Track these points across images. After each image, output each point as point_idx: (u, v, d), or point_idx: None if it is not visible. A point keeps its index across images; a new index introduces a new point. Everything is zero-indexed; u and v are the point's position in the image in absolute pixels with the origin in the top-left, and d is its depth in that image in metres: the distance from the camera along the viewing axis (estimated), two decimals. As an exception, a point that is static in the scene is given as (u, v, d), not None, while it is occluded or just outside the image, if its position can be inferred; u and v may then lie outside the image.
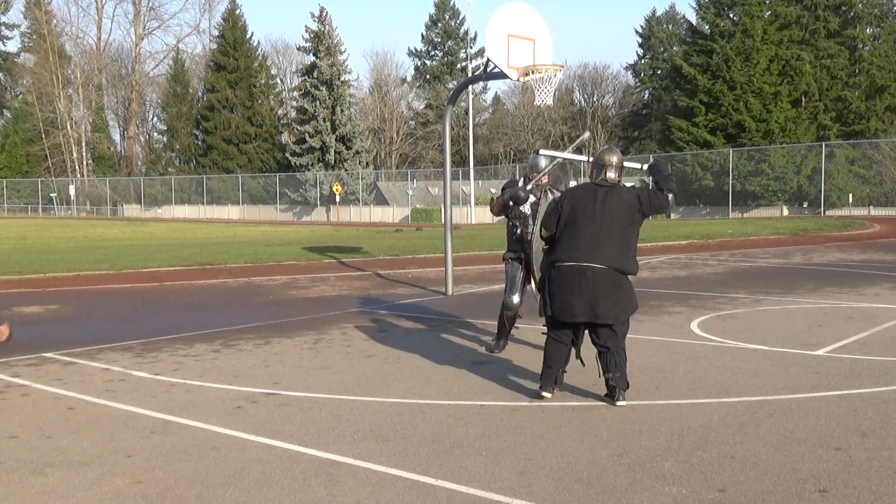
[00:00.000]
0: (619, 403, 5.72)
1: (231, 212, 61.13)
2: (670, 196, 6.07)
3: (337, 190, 51.81)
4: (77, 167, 71.51)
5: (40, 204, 69.99)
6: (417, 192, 55.26)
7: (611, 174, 5.99)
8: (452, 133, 43.85)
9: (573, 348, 6.06)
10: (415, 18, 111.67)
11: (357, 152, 57.10)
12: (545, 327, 7.43)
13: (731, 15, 42.86)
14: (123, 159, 78.21)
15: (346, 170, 56.08)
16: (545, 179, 7.51)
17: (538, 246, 7.09)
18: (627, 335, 5.96)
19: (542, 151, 7.49)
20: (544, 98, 10.60)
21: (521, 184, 7.54)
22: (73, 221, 51.74)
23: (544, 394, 5.93)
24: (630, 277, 5.93)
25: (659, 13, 66.74)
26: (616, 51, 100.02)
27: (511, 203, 7.43)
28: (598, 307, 5.70)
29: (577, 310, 5.74)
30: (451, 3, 67.51)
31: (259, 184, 61.59)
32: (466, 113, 48.26)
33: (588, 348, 6.05)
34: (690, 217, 40.82)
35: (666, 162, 6.03)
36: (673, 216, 42.49)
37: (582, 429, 5.25)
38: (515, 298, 7.54)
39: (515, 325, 7.87)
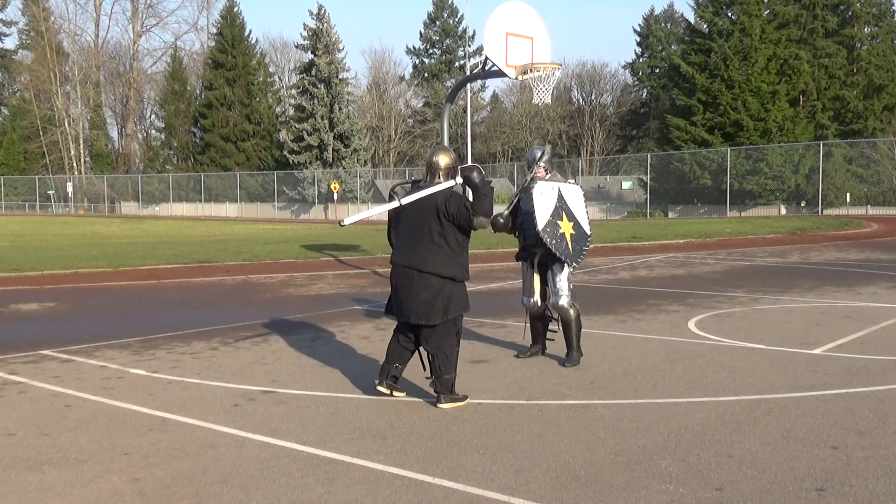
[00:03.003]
0: (439, 406, 5.74)
1: (229, 209, 61.05)
2: (475, 220, 5.66)
3: (335, 188, 51.75)
4: (75, 164, 71.34)
5: (38, 201, 69.86)
6: (415, 191, 55.10)
7: (439, 177, 5.82)
8: (450, 131, 43.85)
9: (419, 348, 6.00)
10: (413, 16, 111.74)
11: (355, 150, 57.02)
12: (552, 331, 7.40)
13: (730, 14, 42.81)
14: (121, 157, 78.03)
15: (344, 168, 56.00)
16: (540, 173, 7.31)
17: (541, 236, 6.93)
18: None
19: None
20: (542, 96, 10.63)
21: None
22: (71, 219, 51.65)
23: (379, 388, 5.96)
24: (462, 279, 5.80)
25: (657, 12, 66.84)
26: (614, 49, 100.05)
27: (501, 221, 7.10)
28: (408, 307, 5.76)
29: (401, 309, 5.83)
30: (450, 2, 67.42)
31: (257, 181, 61.52)
32: (464, 111, 48.24)
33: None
34: (688, 216, 40.84)
35: (480, 174, 5.76)
36: (671, 215, 42.51)
37: (579, 427, 5.25)
38: (526, 300, 7.30)
39: (551, 328, 7.36)
